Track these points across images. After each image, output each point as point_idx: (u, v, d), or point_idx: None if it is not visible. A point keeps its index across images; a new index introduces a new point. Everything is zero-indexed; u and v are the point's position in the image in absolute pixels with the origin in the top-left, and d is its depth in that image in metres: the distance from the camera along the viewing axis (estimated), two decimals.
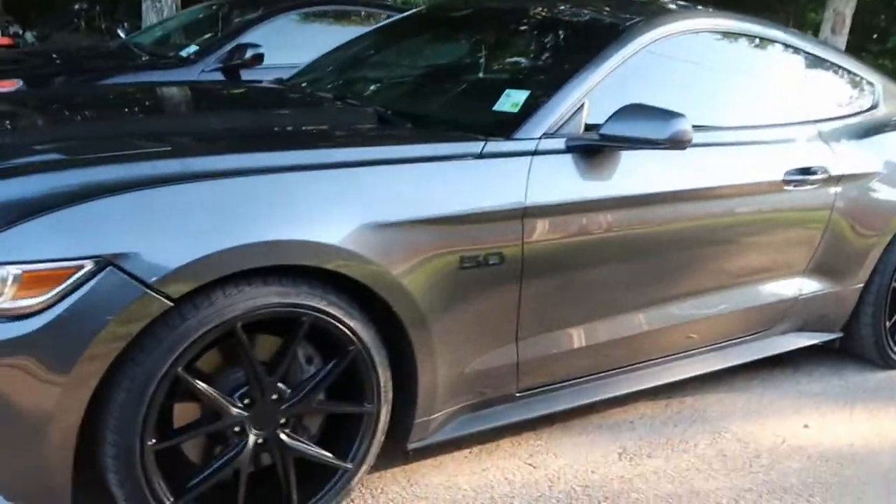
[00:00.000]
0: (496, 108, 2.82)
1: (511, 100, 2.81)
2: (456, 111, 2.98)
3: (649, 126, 2.63)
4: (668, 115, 2.64)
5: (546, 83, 2.87)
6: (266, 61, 5.37)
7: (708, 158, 3.02)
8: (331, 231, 2.23)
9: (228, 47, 5.62)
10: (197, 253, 2.04)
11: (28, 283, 1.94)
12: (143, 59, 5.79)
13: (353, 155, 2.39)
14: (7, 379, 1.94)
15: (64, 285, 1.95)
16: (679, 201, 2.92)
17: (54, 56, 6.00)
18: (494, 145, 2.59)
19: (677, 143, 2.63)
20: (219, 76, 5.57)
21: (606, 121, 2.68)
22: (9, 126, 2.80)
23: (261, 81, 4.23)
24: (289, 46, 5.70)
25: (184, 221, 2.06)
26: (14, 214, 1.99)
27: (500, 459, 2.89)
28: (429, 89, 3.31)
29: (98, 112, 3.08)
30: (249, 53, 5.54)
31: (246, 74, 5.59)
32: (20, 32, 10.42)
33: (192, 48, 5.70)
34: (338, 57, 3.81)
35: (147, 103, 3.41)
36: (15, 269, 1.93)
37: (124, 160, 2.22)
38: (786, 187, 3.22)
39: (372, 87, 3.46)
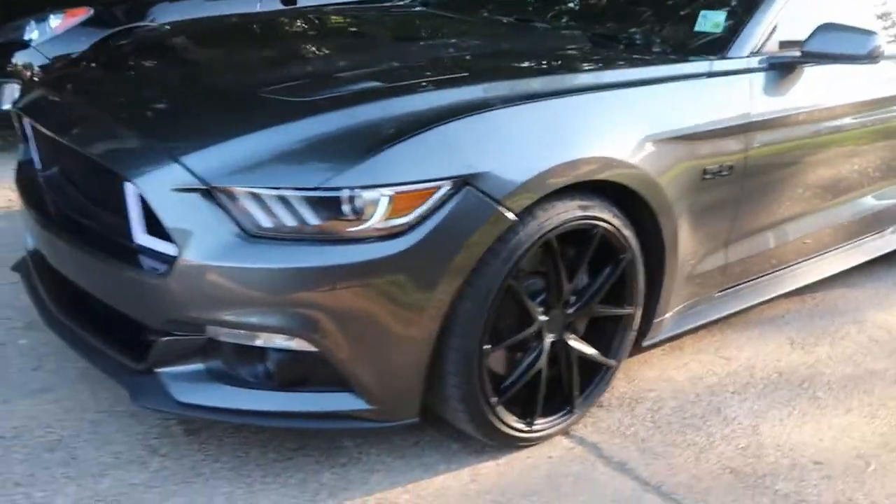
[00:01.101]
0: (697, 28, 3.00)
1: (710, 21, 2.99)
2: (655, 32, 3.13)
3: (850, 43, 2.86)
4: (866, 32, 2.87)
5: (739, 4, 3.05)
6: None
7: (885, 72, 3.26)
8: (621, 147, 2.41)
9: None
10: (535, 170, 2.20)
11: (398, 204, 2.07)
12: None
13: (625, 76, 2.56)
14: (382, 292, 2.08)
15: (426, 206, 2.09)
16: (859, 111, 3.18)
17: None
18: (719, 65, 2.78)
19: (874, 58, 2.87)
20: (277, 4, 5.50)
21: (807, 39, 2.89)
22: (275, 56, 2.86)
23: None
24: None
25: (522, 140, 2.21)
26: (372, 141, 2.09)
27: (693, 355, 3.17)
28: (617, 11, 3.44)
29: (349, 39, 3.14)
30: None
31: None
32: None
33: None
34: None
35: (377, 32, 3.38)
36: (387, 192, 2.05)
37: (459, 84, 2.33)
38: None
39: (552, 10, 3.54)
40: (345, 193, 2.04)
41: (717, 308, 3.08)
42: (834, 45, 2.87)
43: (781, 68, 2.92)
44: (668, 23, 3.19)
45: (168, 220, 2.08)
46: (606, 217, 2.43)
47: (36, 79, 4.74)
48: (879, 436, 2.74)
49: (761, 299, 3.25)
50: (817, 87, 3.06)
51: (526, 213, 2.22)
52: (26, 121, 2.80)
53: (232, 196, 2.06)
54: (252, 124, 2.17)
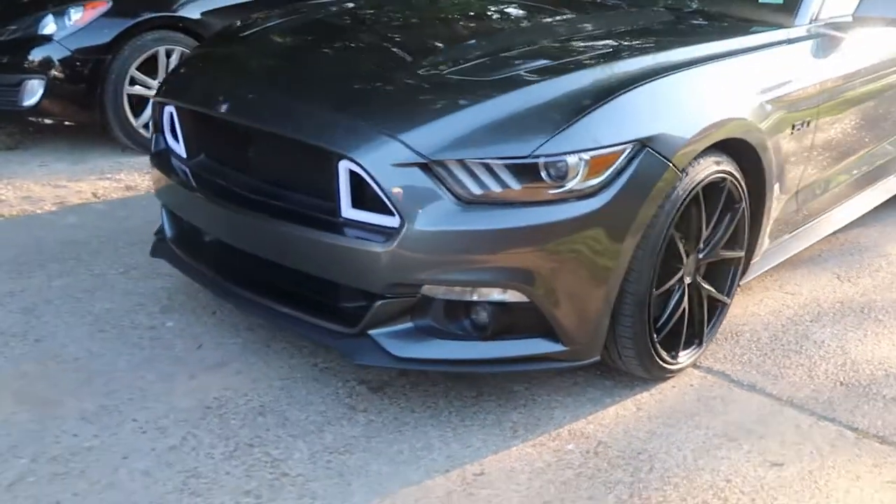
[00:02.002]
0: (753, 15, 3.37)
1: None
2: (723, 5, 3.47)
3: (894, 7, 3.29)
4: None
5: None
6: None
7: None
8: (745, 108, 2.78)
9: None
10: (694, 130, 2.54)
11: (592, 167, 2.37)
12: None
13: (739, 45, 2.92)
14: (582, 246, 2.39)
15: (614, 167, 2.40)
16: (887, 70, 3.63)
17: None
18: (794, 32, 3.16)
19: None
20: None
21: (859, 5, 3.30)
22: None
23: None
24: None
25: (681, 105, 2.56)
26: (567, 111, 2.38)
27: (763, 293, 3.58)
28: None
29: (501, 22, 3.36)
30: None
31: None
32: None
33: None
34: None
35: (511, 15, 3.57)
36: (585, 156, 2.35)
37: (617, 59, 2.63)
38: None
39: None
40: (550, 160, 2.32)
41: (788, 248, 3.48)
42: (887, 10, 3.29)
43: (838, 32, 3.33)
44: None
45: (390, 192, 2.32)
46: (732, 170, 2.78)
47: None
48: None
49: (817, 238, 3.69)
50: (861, 48, 3.48)
51: (684, 170, 2.55)
52: (169, 109, 2.94)
53: (446, 168, 2.32)
54: (455, 103, 2.42)
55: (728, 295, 3.03)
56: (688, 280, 2.81)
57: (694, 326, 2.90)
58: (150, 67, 5.12)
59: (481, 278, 2.38)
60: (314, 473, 2.35)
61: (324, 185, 2.48)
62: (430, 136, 2.34)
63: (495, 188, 2.33)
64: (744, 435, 2.61)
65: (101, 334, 3.03)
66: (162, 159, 3.05)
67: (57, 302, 3.25)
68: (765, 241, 3.18)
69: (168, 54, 5.13)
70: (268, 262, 2.66)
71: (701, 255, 2.85)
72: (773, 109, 2.92)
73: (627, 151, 2.41)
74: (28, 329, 3.04)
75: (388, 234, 2.36)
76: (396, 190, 2.32)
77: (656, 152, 2.45)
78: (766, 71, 2.96)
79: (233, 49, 3.19)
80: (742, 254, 3.02)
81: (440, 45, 3.00)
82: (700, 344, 2.93)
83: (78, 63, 4.92)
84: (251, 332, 3.06)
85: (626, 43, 2.90)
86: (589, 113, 2.39)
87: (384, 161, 2.33)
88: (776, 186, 3.05)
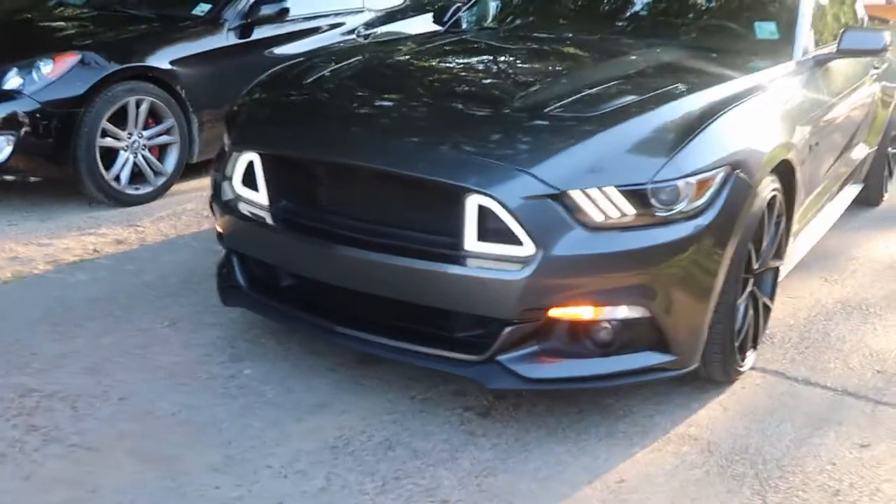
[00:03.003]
0: (758, 37, 3.74)
1: (766, 29, 3.76)
2: (725, 41, 3.80)
3: (871, 40, 3.74)
4: (879, 32, 3.77)
5: (780, 16, 3.83)
6: None
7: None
8: (789, 133, 3.10)
9: (244, 3, 5.68)
10: (766, 153, 2.84)
11: (698, 189, 2.60)
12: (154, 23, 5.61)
13: (773, 75, 3.24)
14: (692, 261, 2.61)
15: (713, 188, 2.65)
16: (853, 91, 4.09)
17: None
18: (795, 66, 3.54)
19: (886, 50, 3.78)
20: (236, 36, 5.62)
21: (840, 39, 3.73)
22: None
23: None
24: None
25: (752, 131, 2.85)
26: (671, 141, 2.62)
27: None
28: (681, 25, 4.08)
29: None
30: (276, 8, 5.70)
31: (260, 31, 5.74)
32: None
33: (204, 6, 5.66)
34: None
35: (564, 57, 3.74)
36: (692, 180, 2.59)
37: (690, 92, 2.88)
38: None
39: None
40: (665, 185, 2.54)
41: (797, 255, 3.83)
42: (861, 43, 3.73)
43: (823, 63, 3.74)
44: (733, 33, 3.88)
45: (526, 223, 2.46)
46: (778, 188, 3.09)
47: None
48: None
49: (812, 244, 4.06)
50: (837, 76, 3.92)
51: (758, 189, 2.83)
52: (246, 157, 2.97)
53: (574, 198, 2.49)
54: (573, 137, 2.61)
55: (772, 300, 3.33)
56: (751, 288, 3.08)
57: (752, 331, 3.17)
58: (118, 119, 4.99)
59: (608, 297, 2.55)
60: (472, 497, 2.44)
61: (446, 221, 2.59)
62: (558, 169, 2.51)
63: (617, 214, 2.52)
64: (824, 424, 2.88)
65: (183, 388, 2.99)
66: (231, 207, 3.05)
67: (118, 360, 3.16)
68: (789, 250, 3.51)
69: (138, 104, 5.03)
70: (377, 299, 2.72)
71: (758, 266, 3.13)
72: (799, 131, 3.27)
73: (721, 174, 2.66)
74: (105, 389, 2.96)
75: (521, 262, 2.50)
76: (529, 221, 2.46)
77: (743, 174, 2.71)
78: (789, 98, 3.30)
79: (313, 93, 3.22)
80: (781, 262, 3.33)
81: (526, 83, 3.16)
82: (755, 347, 3.20)
83: (50, 117, 4.75)
84: (334, 371, 3.10)
85: (688, 77, 3.16)
86: (690, 141, 2.63)
87: (518, 194, 2.48)
88: (803, 199, 3.39)
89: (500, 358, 2.60)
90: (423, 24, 6.97)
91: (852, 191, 4.87)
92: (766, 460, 2.66)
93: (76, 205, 5.05)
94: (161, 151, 5.29)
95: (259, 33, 5.75)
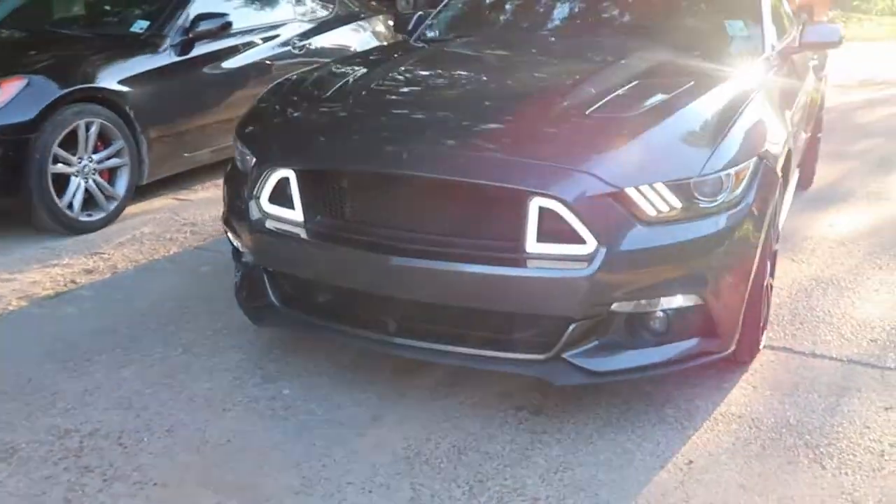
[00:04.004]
0: (730, 34, 3.97)
1: (735, 27, 3.99)
2: (701, 39, 3.98)
3: (829, 34, 4.03)
4: (835, 26, 4.07)
5: (744, 14, 4.06)
6: None
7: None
8: (789, 124, 3.31)
9: (183, 18, 5.54)
10: (781, 144, 3.06)
11: (736, 180, 2.76)
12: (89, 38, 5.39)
13: (758, 72, 3.46)
14: (735, 249, 2.77)
15: (747, 178, 2.81)
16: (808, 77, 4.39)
17: None
18: (767, 60, 3.76)
19: (841, 42, 4.07)
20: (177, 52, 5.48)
21: (801, 34, 4.00)
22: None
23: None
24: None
25: (768, 123, 3.02)
26: (710, 136, 2.77)
27: None
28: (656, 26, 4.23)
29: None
30: (218, 22, 5.58)
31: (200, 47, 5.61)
32: None
33: (143, 23, 5.49)
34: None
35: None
36: (731, 171, 2.74)
37: (711, 88, 3.04)
38: None
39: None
40: (711, 177, 2.68)
41: None
42: (821, 37, 4.01)
43: (787, 56, 4.01)
44: (707, 32, 4.07)
45: (589, 222, 2.55)
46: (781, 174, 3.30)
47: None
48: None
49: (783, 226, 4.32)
50: (796, 67, 4.21)
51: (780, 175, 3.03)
52: (277, 175, 2.93)
53: (631, 194, 2.59)
54: (622, 136, 2.71)
55: (772, 279, 3.54)
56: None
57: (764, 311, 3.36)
58: (66, 144, 4.77)
59: (665, 288, 2.67)
60: (560, 492, 2.50)
61: (507, 225, 2.64)
62: (616, 168, 2.61)
63: (667, 208, 2.64)
64: (845, 392, 3.09)
65: (227, 414, 2.92)
66: (261, 225, 3.00)
67: (146, 392, 3.06)
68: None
69: (88, 127, 4.83)
70: (426, 307, 2.74)
71: (775, 247, 3.33)
72: (789, 120, 3.49)
73: (753, 163, 2.82)
74: (146, 422, 2.85)
75: (584, 261, 2.58)
76: (591, 220, 2.55)
77: (769, 164, 2.89)
78: (775, 89, 3.52)
79: (345, 106, 3.18)
80: (778, 243, 3.55)
81: (553, 86, 3.24)
82: (765, 326, 3.40)
83: None
84: (374, 384, 3.09)
85: (692, 75, 3.31)
86: (727, 134, 2.79)
87: (582, 195, 2.56)
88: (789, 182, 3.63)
89: (566, 355, 2.67)
90: (350, 33, 7.04)
91: (796, 174, 5.19)
92: (810, 430, 2.83)
93: (26, 236, 4.81)
94: (111, 175, 5.09)
95: (200, 49, 5.60)
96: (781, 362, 3.32)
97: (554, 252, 2.62)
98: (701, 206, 2.69)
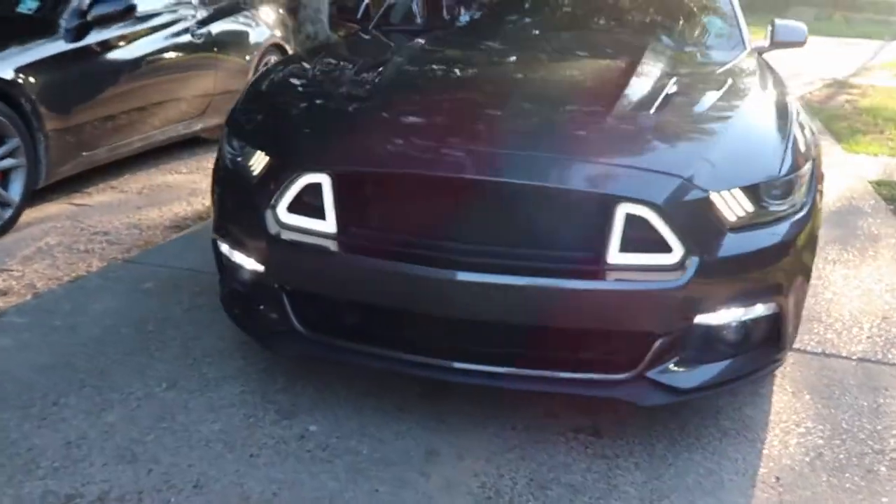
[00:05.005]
0: (713, 32, 3.92)
1: (715, 25, 3.95)
2: (692, 35, 3.91)
3: (797, 33, 4.08)
4: (800, 25, 4.12)
5: (719, 12, 4.03)
6: None
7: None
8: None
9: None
10: (815, 144, 2.97)
11: (801, 181, 2.67)
12: None
13: (762, 70, 3.40)
14: (802, 252, 2.67)
15: (807, 179, 2.72)
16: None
17: None
18: (749, 55, 3.74)
19: (804, 42, 4.13)
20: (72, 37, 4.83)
21: (774, 33, 4.02)
22: None
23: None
24: None
25: (805, 124, 2.95)
26: (775, 140, 2.67)
27: None
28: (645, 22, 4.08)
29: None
30: (122, 5, 4.97)
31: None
32: None
33: (31, 3, 4.78)
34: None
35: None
36: (798, 173, 2.64)
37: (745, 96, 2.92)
38: None
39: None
40: (786, 179, 2.57)
41: None
42: (790, 36, 4.05)
43: (761, 54, 4.01)
44: (695, 29, 4.01)
45: (679, 230, 2.36)
46: None
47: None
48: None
49: None
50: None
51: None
52: (304, 180, 2.55)
53: (717, 200, 2.43)
54: (701, 139, 2.58)
55: None
56: None
57: None
58: None
59: (750, 297, 2.52)
60: None
61: (587, 234, 2.40)
62: (705, 171, 2.44)
63: (744, 213, 2.49)
64: (873, 391, 3.09)
65: (256, 460, 2.51)
66: (280, 238, 2.60)
67: (146, 439, 2.59)
68: None
69: None
70: (478, 327, 2.46)
71: None
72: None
73: (809, 165, 2.74)
74: (165, 478, 2.40)
75: (674, 270, 2.39)
76: (681, 227, 2.37)
77: (816, 162, 2.82)
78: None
79: (370, 99, 2.81)
80: None
81: (600, 86, 3.01)
82: None
83: None
84: (407, 412, 2.78)
85: (719, 71, 3.20)
86: (790, 136, 2.69)
87: (673, 200, 2.36)
88: None
89: (649, 373, 2.47)
90: (244, 20, 6.56)
91: None
92: (869, 434, 2.80)
93: None
94: (5, 177, 4.39)
95: (98, 35, 4.95)
96: (801, 364, 3.28)
97: (637, 262, 2.41)
98: (771, 209, 2.56)
